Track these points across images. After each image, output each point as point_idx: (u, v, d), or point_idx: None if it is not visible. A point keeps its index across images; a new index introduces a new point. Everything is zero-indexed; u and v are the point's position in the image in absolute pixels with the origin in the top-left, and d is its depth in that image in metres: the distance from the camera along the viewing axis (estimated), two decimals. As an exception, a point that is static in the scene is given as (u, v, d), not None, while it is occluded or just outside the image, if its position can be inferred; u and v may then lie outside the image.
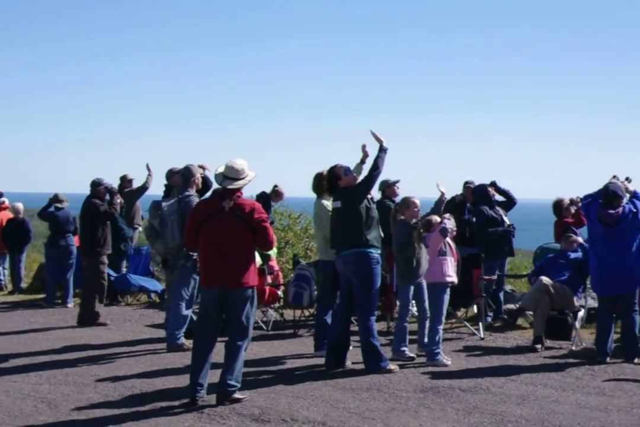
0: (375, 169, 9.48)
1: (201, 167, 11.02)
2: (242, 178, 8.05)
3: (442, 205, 10.87)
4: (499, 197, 13.17)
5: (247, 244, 8.03)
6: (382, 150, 9.54)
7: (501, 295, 12.87)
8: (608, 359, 9.87)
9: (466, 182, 13.40)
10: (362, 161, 9.86)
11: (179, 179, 10.91)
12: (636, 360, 9.85)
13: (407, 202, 10.16)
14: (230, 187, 8.00)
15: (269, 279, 12.69)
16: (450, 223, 9.97)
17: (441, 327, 9.92)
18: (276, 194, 15.01)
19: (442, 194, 10.66)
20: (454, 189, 13.17)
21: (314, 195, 10.58)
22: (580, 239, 11.50)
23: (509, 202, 13.28)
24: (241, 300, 8.03)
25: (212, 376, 8.08)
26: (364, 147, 9.82)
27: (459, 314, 12.36)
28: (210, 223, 7.97)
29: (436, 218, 10.12)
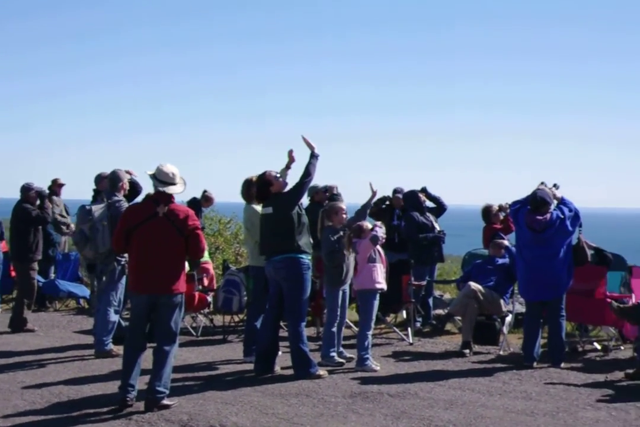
0: (307, 175, 9.49)
1: (128, 172, 10.93)
2: (176, 183, 8.06)
3: (369, 208, 10.94)
4: (429, 203, 13.27)
5: (179, 250, 8.00)
6: (313, 156, 9.56)
7: (430, 300, 12.95)
8: (535, 364, 9.97)
9: (395, 190, 13.43)
10: (288, 167, 9.82)
11: (107, 183, 10.81)
12: (562, 364, 9.97)
13: (335, 208, 10.19)
14: (167, 191, 8.01)
15: (205, 281, 12.68)
16: (381, 231, 10.01)
17: (370, 333, 9.94)
18: (206, 199, 14.99)
19: (374, 194, 10.75)
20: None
21: (243, 201, 10.54)
22: (507, 244, 11.61)
23: (439, 209, 13.38)
24: (170, 306, 8.00)
25: (140, 383, 8.03)
26: (290, 152, 9.80)
27: (388, 319, 12.42)
28: (142, 228, 7.94)
29: (367, 224, 10.15)
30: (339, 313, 10.09)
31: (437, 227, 12.94)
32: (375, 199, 11.15)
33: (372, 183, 10.73)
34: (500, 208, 13.04)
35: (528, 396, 8.49)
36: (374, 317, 10.02)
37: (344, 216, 10.13)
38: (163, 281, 7.94)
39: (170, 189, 8.04)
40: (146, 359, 8.18)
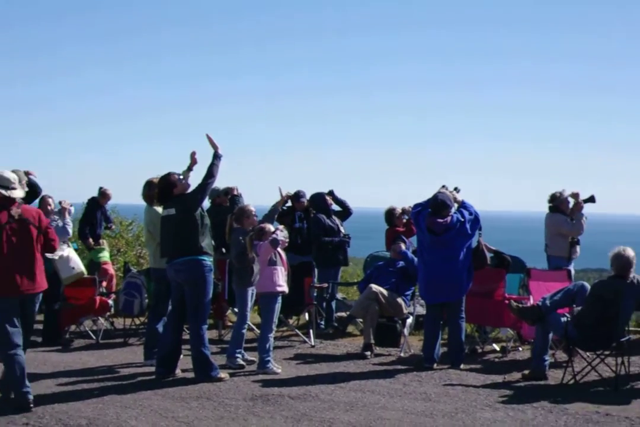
0: (210, 177, 9.45)
1: (27, 173, 10.74)
2: (17, 188, 8.20)
3: (277, 213, 10.97)
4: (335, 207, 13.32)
5: (38, 249, 8.19)
6: (216, 157, 9.51)
7: (333, 303, 13.00)
8: (435, 366, 10.08)
9: (298, 193, 13.37)
10: (190, 168, 9.74)
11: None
12: (462, 366, 10.10)
13: (244, 211, 10.19)
14: (11, 195, 8.09)
15: (103, 283, 12.57)
16: (282, 235, 9.98)
17: (271, 335, 9.93)
18: (103, 195, 14.84)
19: (282, 198, 10.78)
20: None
21: (144, 202, 10.43)
22: (403, 248, 11.68)
23: (345, 212, 13.45)
24: (34, 303, 8.27)
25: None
26: (193, 154, 9.73)
27: (291, 321, 12.43)
28: (3, 233, 8.00)
29: (270, 227, 10.12)
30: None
31: (343, 231, 13.00)
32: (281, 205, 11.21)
33: (281, 187, 10.78)
34: (404, 211, 13.14)
35: (428, 397, 8.56)
36: (275, 320, 10.01)
37: (255, 218, 10.15)
38: (34, 280, 8.11)
39: (13, 194, 8.13)
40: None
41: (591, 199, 12.43)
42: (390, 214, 13.22)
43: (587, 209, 12.37)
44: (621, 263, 9.14)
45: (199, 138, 9.73)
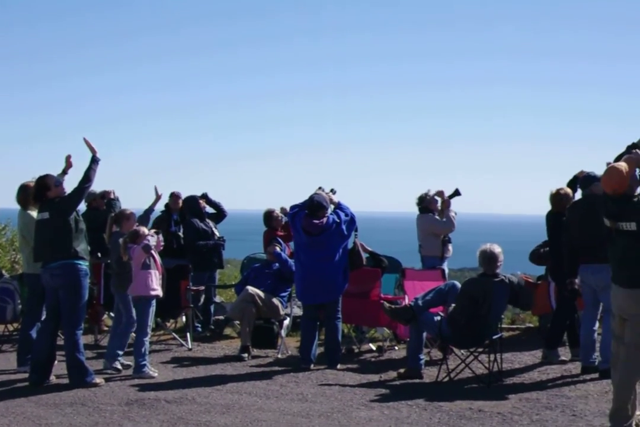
0: (87, 181, 9.33)
1: None
2: None
3: (151, 213, 10.95)
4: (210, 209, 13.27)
5: None
6: (94, 161, 9.39)
7: (211, 306, 12.95)
8: (312, 366, 10.14)
9: (172, 193, 13.21)
10: (65, 172, 9.59)
11: None
12: (339, 366, 10.18)
13: (125, 214, 10.14)
14: None
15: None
16: (153, 240, 9.88)
17: (147, 339, 9.84)
18: None
19: (157, 198, 10.82)
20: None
21: (18, 206, 10.23)
22: (278, 248, 11.70)
23: (219, 215, 13.40)
24: None
25: None
26: (68, 157, 9.58)
27: (168, 325, 12.35)
28: None
29: (144, 230, 10.03)
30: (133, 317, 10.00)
31: (217, 234, 12.94)
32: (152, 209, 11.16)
33: (157, 187, 10.73)
34: (283, 212, 13.11)
35: (304, 398, 8.61)
36: (150, 323, 9.93)
37: (134, 221, 10.09)
38: None
39: None
40: None
41: (456, 193, 12.69)
42: (268, 215, 13.19)
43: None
44: (487, 259, 9.37)
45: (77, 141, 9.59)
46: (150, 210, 10.89)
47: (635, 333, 7.15)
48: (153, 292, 9.83)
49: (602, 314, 9.61)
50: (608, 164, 7.52)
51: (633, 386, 7.23)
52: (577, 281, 9.74)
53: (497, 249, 9.42)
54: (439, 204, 12.68)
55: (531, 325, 13.10)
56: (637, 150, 7.34)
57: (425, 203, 12.61)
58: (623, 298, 7.22)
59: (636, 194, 7.22)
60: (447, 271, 12.39)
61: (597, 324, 9.85)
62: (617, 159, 7.43)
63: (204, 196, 13.15)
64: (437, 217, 12.56)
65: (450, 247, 12.57)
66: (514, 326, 13.20)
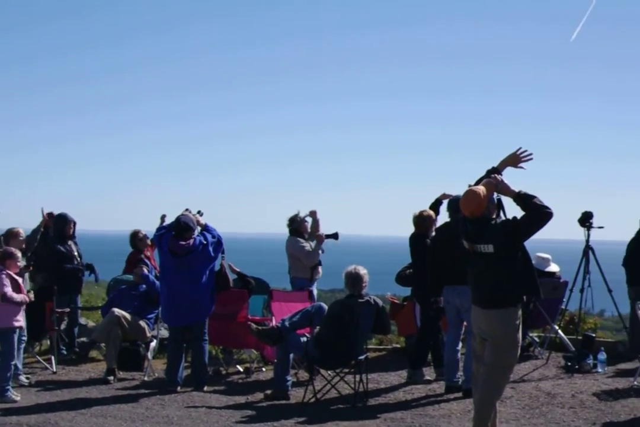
0: None
1: None
2: None
3: (38, 233, 10.88)
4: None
5: None
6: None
7: (76, 329, 12.71)
8: (179, 388, 10.07)
9: (51, 214, 12.73)
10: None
11: None
12: (206, 388, 10.14)
13: (12, 233, 10.04)
14: None
15: None
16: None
17: (13, 363, 9.62)
18: None
19: (44, 219, 10.73)
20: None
21: None
22: (145, 270, 11.58)
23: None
24: None
25: None
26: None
27: (32, 348, 12.09)
28: None
29: (14, 252, 9.86)
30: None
31: (78, 258, 12.63)
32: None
33: (43, 208, 10.64)
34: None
35: (170, 421, 8.54)
36: (14, 350, 9.69)
37: (21, 239, 10.03)
38: None
39: None
40: None
41: (334, 236, 12.60)
42: (133, 236, 12.97)
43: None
44: (352, 281, 9.49)
45: None
46: (37, 230, 10.81)
47: (494, 353, 7.35)
48: (16, 324, 9.64)
49: (466, 334, 9.82)
50: (470, 185, 7.72)
51: (493, 404, 7.42)
52: (441, 299, 9.95)
53: (362, 270, 9.54)
54: (309, 225, 12.63)
55: (398, 345, 13.26)
56: (496, 175, 7.56)
57: (295, 225, 12.52)
58: (482, 318, 7.43)
59: (494, 217, 7.45)
60: (315, 293, 12.44)
61: (460, 344, 10.06)
62: (477, 183, 7.63)
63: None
64: (304, 243, 12.44)
65: (320, 269, 12.52)
66: (381, 347, 13.34)
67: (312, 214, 12.63)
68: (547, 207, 7.15)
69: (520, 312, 7.39)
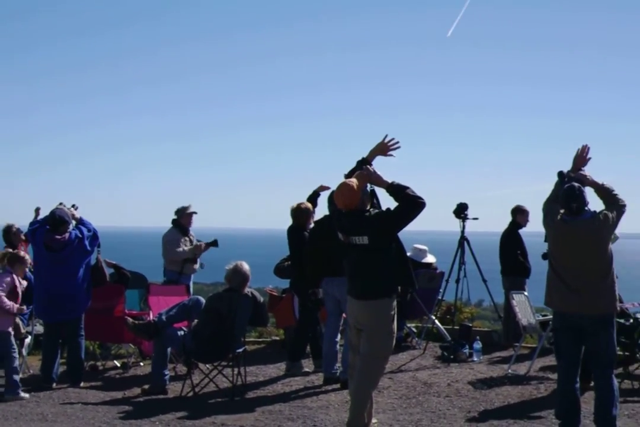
0: None
1: None
2: None
3: None
4: None
5: None
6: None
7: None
8: (54, 385, 9.89)
9: None
10: None
11: None
12: (82, 384, 9.98)
13: None
14: None
15: None
16: None
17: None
18: None
19: None
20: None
21: None
22: None
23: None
24: None
25: None
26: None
27: None
28: None
29: None
30: None
31: None
32: None
33: None
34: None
35: (44, 418, 8.36)
36: None
37: None
38: None
39: None
40: None
41: (214, 244, 12.39)
42: (6, 232, 12.57)
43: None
44: (239, 277, 9.44)
45: None
46: None
47: (369, 343, 7.42)
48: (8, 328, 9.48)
49: (344, 325, 9.88)
50: (345, 175, 7.74)
51: (369, 394, 7.50)
52: (319, 291, 9.99)
53: (244, 266, 9.49)
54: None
55: (277, 338, 13.29)
56: (368, 166, 7.60)
57: (179, 216, 12.30)
58: (357, 309, 7.50)
59: (368, 208, 7.49)
60: (192, 286, 12.34)
61: (339, 336, 10.13)
62: (350, 174, 7.66)
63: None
64: (180, 239, 12.18)
65: (195, 266, 12.26)
66: (260, 339, 13.36)
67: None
68: (419, 198, 7.19)
69: (395, 303, 7.46)
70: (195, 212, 12.34)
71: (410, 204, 7.23)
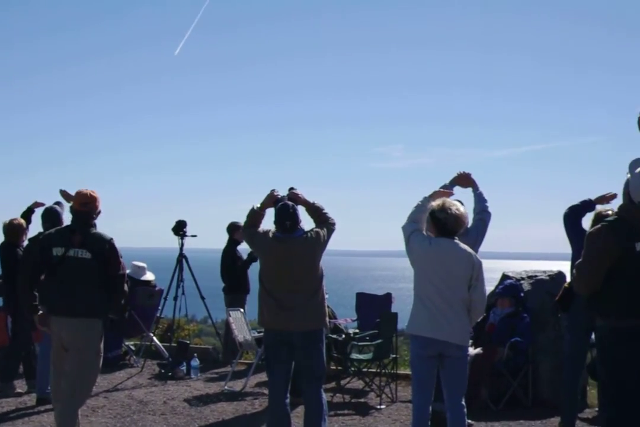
0: None
1: None
2: None
3: None
4: None
5: None
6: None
7: None
8: None
9: None
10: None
11: None
12: None
13: None
14: None
15: None
16: None
17: None
18: None
19: None
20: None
21: None
22: None
23: None
24: None
25: None
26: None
27: None
28: None
29: None
30: None
31: None
32: None
33: None
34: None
35: None
36: None
37: None
38: None
39: None
40: None
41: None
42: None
43: None
44: None
45: None
46: None
47: (77, 364, 7.29)
48: None
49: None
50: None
51: (76, 415, 7.38)
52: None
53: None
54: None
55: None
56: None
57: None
58: (64, 328, 7.35)
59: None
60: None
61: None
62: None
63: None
64: None
65: None
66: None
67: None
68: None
69: (101, 322, 7.39)
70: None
71: None
